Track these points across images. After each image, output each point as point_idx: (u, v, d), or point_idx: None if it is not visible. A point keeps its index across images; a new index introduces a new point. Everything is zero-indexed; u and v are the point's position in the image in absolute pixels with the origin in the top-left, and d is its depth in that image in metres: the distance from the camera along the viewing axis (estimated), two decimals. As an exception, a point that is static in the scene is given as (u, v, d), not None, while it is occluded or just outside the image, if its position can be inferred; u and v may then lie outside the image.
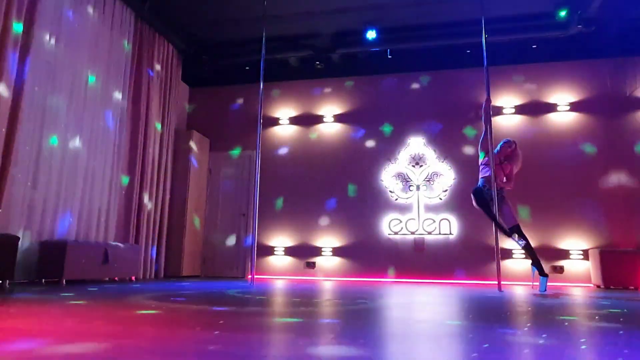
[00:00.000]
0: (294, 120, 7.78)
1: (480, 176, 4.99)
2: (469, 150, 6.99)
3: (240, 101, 7.99)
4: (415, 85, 7.44)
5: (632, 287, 5.80)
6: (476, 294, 4.36)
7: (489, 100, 4.97)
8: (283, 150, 7.70)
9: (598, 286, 6.02)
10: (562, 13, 6.40)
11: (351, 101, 7.63)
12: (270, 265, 7.35)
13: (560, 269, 6.45)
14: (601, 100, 6.76)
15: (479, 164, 5.08)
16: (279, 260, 7.35)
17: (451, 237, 6.85)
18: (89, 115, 5.48)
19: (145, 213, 6.36)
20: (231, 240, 7.54)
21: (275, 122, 7.83)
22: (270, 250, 7.38)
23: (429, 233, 6.92)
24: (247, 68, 7.76)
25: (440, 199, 7.00)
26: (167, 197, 6.96)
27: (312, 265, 7.22)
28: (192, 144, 7.39)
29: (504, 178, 4.83)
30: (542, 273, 4.49)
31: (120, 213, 5.99)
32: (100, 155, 5.67)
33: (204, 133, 7.80)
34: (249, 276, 7.20)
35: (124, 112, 6.13)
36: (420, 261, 6.88)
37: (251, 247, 5.33)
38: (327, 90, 7.75)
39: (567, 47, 6.76)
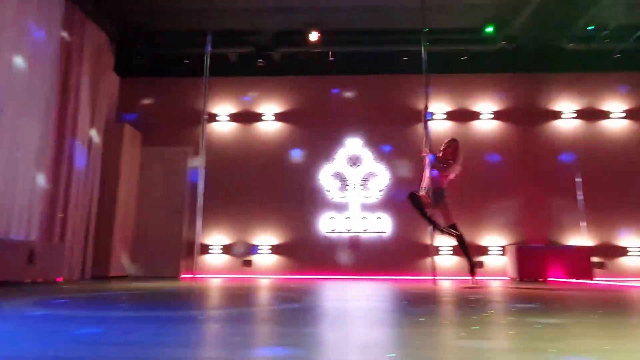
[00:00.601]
0: (233, 117, 7.67)
1: (425, 178, 5.10)
2: (404, 152, 7.34)
3: (176, 95, 7.71)
4: (354, 88, 7.67)
5: (541, 279, 6.47)
6: (409, 288, 4.63)
7: (426, 107, 5.26)
8: (221, 147, 7.56)
9: (514, 279, 6.64)
10: (489, 29, 6.96)
11: (291, 100, 7.69)
12: (206, 264, 7.20)
13: (480, 264, 7.01)
14: (520, 111, 7.44)
15: (424, 166, 5.23)
16: (215, 259, 7.22)
17: (385, 235, 7.17)
18: (11, 104, 5.01)
19: (71, 210, 5.94)
20: (164, 239, 7.27)
21: (212, 118, 7.66)
22: (205, 249, 7.22)
23: (365, 231, 7.18)
24: (185, 61, 7.51)
25: (376, 198, 7.29)
26: (96, 193, 6.56)
27: (249, 263, 7.18)
28: (123, 138, 7.01)
29: (447, 176, 5.02)
30: (471, 270, 4.83)
31: (45, 210, 5.54)
32: (24, 147, 5.21)
33: (136, 126, 7.43)
34: (184, 276, 7.02)
35: (50, 102, 5.67)
36: (356, 258, 7.12)
37: (195, 246, 5.20)
38: (268, 88, 7.73)
39: (493, 60, 7.36)
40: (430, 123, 7.34)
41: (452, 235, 4.76)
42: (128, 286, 4.64)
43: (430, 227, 4.94)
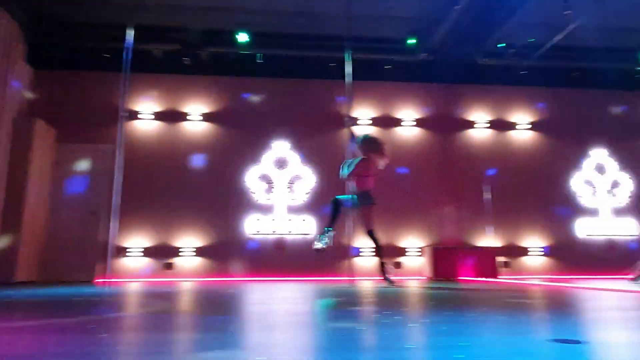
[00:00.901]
0: (157, 116, 7.44)
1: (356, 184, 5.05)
2: (330, 155, 7.49)
3: (95, 90, 7.34)
4: (283, 91, 7.73)
5: (454, 278, 6.91)
6: (328, 288, 4.77)
7: (352, 119, 5.37)
8: (143, 146, 7.31)
9: (430, 278, 7.03)
10: (412, 41, 7.31)
11: (219, 101, 7.60)
12: (124, 268, 6.92)
13: (399, 265, 7.35)
14: (439, 120, 7.89)
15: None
16: (134, 262, 6.97)
17: (310, 236, 7.30)
18: None
19: (-30, 210, 5.47)
20: (79, 241, 6.89)
21: (135, 115, 7.38)
22: (123, 252, 6.94)
23: (290, 233, 7.27)
24: (106, 55, 7.17)
25: (302, 200, 7.40)
26: (2, 192, 6.09)
27: (170, 266, 7.00)
28: (34, 133, 6.56)
29: (372, 177, 5.08)
30: (383, 274, 4.95)
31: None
32: None
33: (50, 122, 6.98)
34: (99, 280, 6.70)
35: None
36: (281, 260, 7.18)
37: (108, 248, 4.99)
38: (195, 87, 7.58)
39: (415, 70, 7.74)
40: (355, 128, 7.63)
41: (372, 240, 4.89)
42: (28, 292, 4.37)
43: (330, 234, 4.95)
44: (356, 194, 4.96)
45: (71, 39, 6.99)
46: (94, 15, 6.80)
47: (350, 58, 5.70)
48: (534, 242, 7.66)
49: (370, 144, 5.11)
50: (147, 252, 6.99)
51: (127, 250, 6.95)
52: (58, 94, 7.29)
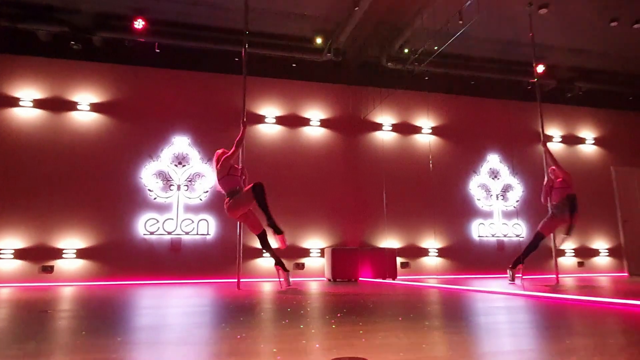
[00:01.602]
0: (39, 104, 6.75)
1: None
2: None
3: (-38, 70, 6.52)
4: (183, 84, 7.34)
5: (354, 279, 6.94)
6: (209, 293, 4.53)
7: (244, 123, 5.13)
8: (20, 137, 6.60)
9: (329, 279, 7.00)
10: (319, 40, 7.26)
11: (112, 90, 7.05)
12: (-6, 271, 6.19)
13: (302, 266, 7.26)
14: (344, 120, 7.92)
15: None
16: (6, 265, 6.25)
17: (209, 237, 6.99)
18: None
19: None
20: (-63, 241, 6.05)
21: (14, 102, 6.65)
22: (-7, 253, 6.21)
23: (187, 233, 6.91)
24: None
25: (201, 199, 7.08)
26: None
27: (49, 269, 6.37)
28: None
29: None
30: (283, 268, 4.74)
31: None
32: None
33: None
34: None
35: None
36: (176, 261, 6.81)
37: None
38: (84, 74, 6.98)
39: (322, 70, 7.70)
40: (257, 126, 7.47)
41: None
42: None
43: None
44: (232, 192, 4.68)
45: None
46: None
47: (244, 53, 5.48)
48: (433, 243, 7.92)
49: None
50: (21, 253, 6.30)
51: (0, 251, 6.22)
52: None
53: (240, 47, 6.97)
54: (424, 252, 7.88)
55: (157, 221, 6.84)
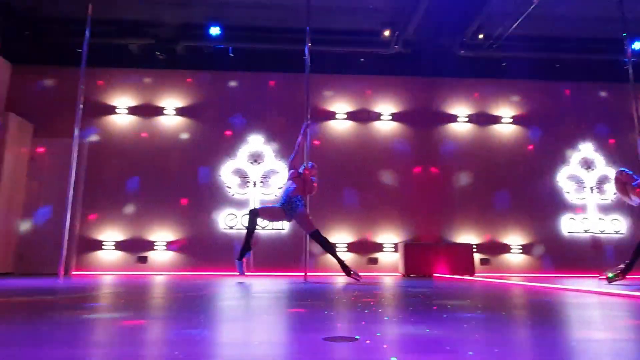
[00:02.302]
0: (133, 110, 7.49)
1: (295, 194, 4.90)
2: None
3: (70, 84, 7.38)
4: (256, 85, 7.69)
5: (428, 275, 6.77)
6: (282, 284, 4.71)
7: (308, 123, 5.32)
8: (119, 140, 7.37)
9: (403, 275, 6.90)
10: (386, 33, 7.18)
11: (193, 95, 7.60)
12: (98, 261, 6.98)
13: (375, 261, 7.24)
14: (416, 113, 7.74)
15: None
16: (109, 255, 7.02)
17: (283, 231, 7.25)
18: None
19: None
20: (53, 234, 6.96)
21: (111, 110, 7.44)
22: (98, 245, 7.00)
23: (263, 228, 7.22)
24: (78, 50, 7.22)
25: (275, 195, 7.35)
26: (-28, 185, 6.19)
27: (144, 259, 7.04)
28: (8, 128, 6.66)
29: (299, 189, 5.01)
30: (346, 272, 4.76)
31: None
32: None
33: (27, 116, 7.09)
34: (75, 272, 6.77)
35: None
36: (253, 254, 7.13)
37: (61, 240, 5.04)
38: (169, 81, 7.60)
39: (390, 63, 7.60)
40: (329, 122, 7.58)
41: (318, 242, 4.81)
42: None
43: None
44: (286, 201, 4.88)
45: (47, 34, 7.07)
46: (64, 11, 6.84)
47: (308, 50, 5.60)
48: (516, 239, 7.45)
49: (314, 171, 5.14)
50: (121, 245, 7.03)
51: (103, 243, 7.00)
52: (35, 89, 7.40)
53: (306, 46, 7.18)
54: (506, 248, 7.45)
55: (236, 216, 7.23)
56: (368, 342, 1.32)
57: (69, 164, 7.20)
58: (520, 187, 7.59)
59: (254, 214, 4.83)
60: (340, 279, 5.46)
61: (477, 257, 7.24)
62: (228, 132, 7.48)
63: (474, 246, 7.22)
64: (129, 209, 7.14)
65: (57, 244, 6.94)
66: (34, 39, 7.12)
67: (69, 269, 6.86)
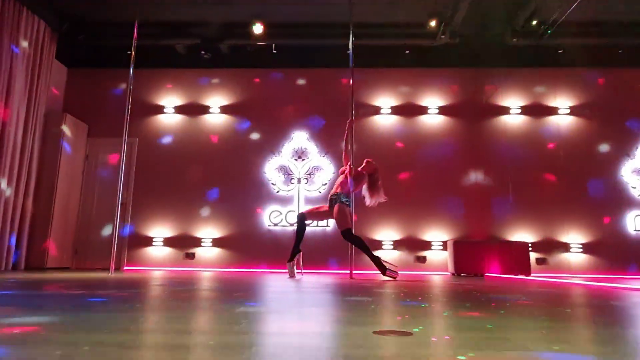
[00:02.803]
0: (179, 109, 7.64)
1: (342, 190, 4.88)
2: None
3: (122, 86, 7.67)
4: (299, 81, 7.65)
5: (480, 274, 6.46)
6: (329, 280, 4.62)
7: (352, 121, 5.23)
8: (167, 139, 7.54)
9: (452, 274, 6.63)
10: (432, 23, 6.93)
11: (238, 93, 7.66)
12: (148, 256, 7.17)
13: (423, 259, 7.00)
14: (464, 106, 7.43)
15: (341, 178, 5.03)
16: (158, 251, 7.19)
17: (328, 229, 7.15)
18: None
19: (2, 200, 5.90)
20: (107, 231, 7.23)
21: (160, 110, 7.63)
22: (148, 241, 7.19)
23: (308, 225, 7.14)
24: (128, 52, 7.46)
25: (320, 192, 7.27)
26: (32, 184, 6.51)
27: (191, 255, 7.15)
28: (65, 128, 6.98)
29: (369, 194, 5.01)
30: (381, 270, 4.66)
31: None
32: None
33: (82, 117, 7.40)
34: (127, 268, 6.99)
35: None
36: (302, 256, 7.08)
37: (110, 236, 5.18)
38: (215, 80, 7.70)
39: (436, 55, 7.33)
40: (374, 117, 7.41)
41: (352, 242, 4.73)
42: (56, 277, 4.61)
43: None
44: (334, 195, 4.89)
45: (97, 38, 7.32)
46: (114, 14, 7.06)
47: (351, 44, 5.48)
48: (575, 237, 6.99)
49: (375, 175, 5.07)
50: (169, 241, 7.19)
51: (153, 239, 7.18)
52: (89, 90, 7.70)
53: (349, 41, 7.06)
54: (565, 247, 7.00)
55: (280, 213, 7.21)
56: (434, 339, 1.18)
57: (118, 161, 7.50)
58: (580, 182, 7.11)
59: (301, 218, 4.89)
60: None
61: (532, 256, 6.85)
62: (272, 129, 7.48)
63: (529, 244, 6.83)
64: (177, 206, 7.28)
65: (110, 240, 7.23)
66: (87, 43, 7.40)
67: (121, 264, 7.10)
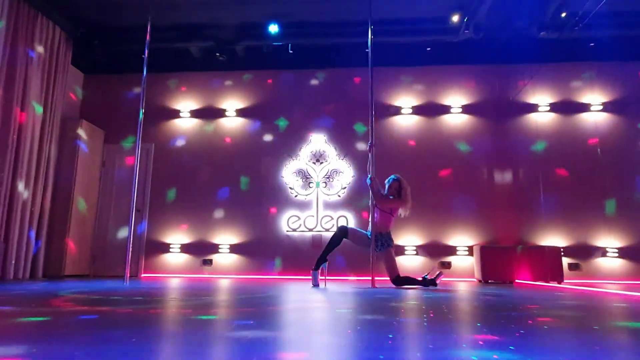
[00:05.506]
0: (195, 113, 7.51)
1: (387, 229, 4.80)
2: (366, 148, 7.06)
3: (137, 90, 7.58)
4: (315, 82, 7.45)
5: (509, 281, 6.13)
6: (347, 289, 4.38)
7: (372, 146, 4.98)
8: (183, 144, 7.42)
9: (479, 280, 6.31)
10: (454, 18, 6.63)
11: (254, 95, 7.49)
12: (165, 263, 7.05)
13: (448, 265, 6.70)
14: (489, 104, 7.11)
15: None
16: (175, 258, 7.06)
17: (348, 234, 6.90)
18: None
19: (19, 206, 5.84)
20: (124, 237, 7.14)
21: (175, 114, 7.52)
22: (165, 248, 7.07)
23: (327, 230, 6.93)
24: (143, 56, 7.36)
25: (339, 196, 7.04)
26: (49, 189, 6.45)
27: (209, 262, 7.00)
28: (81, 133, 6.92)
29: (393, 216, 4.83)
30: (428, 284, 4.61)
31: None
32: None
33: (98, 123, 7.34)
34: (144, 275, 6.88)
35: (-8, 97, 5.58)
36: (316, 258, 6.86)
37: (127, 243, 5.06)
38: (230, 83, 7.55)
39: (459, 51, 7.03)
40: (394, 118, 7.13)
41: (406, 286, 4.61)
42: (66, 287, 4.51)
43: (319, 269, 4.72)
44: (377, 235, 4.73)
45: (112, 43, 7.24)
46: (128, 18, 6.97)
47: (370, 43, 5.25)
48: (610, 241, 6.58)
49: (400, 187, 4.83)
50: (186, 248, 7.05)
51: (170, 246, 7.06)
52: (105, 96, 7.64)
53: (367, 39, 6.80)
54: (599, 251, 6.60)
55: (299, 218, 7.00)
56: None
57: (133, 167, 7.41)
58: (616, 182, 6.71)
59: (343, 232, 4.71)
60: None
61: (564, 261, 6.48)
62: (289, 132, 7.28)
63: (562, 249, 6.46)
64: (194, 211, 7.14)
65: (127, 247, 7.13)
66: (103, 49, 7.33)
67: (138, 271, 7.00)
